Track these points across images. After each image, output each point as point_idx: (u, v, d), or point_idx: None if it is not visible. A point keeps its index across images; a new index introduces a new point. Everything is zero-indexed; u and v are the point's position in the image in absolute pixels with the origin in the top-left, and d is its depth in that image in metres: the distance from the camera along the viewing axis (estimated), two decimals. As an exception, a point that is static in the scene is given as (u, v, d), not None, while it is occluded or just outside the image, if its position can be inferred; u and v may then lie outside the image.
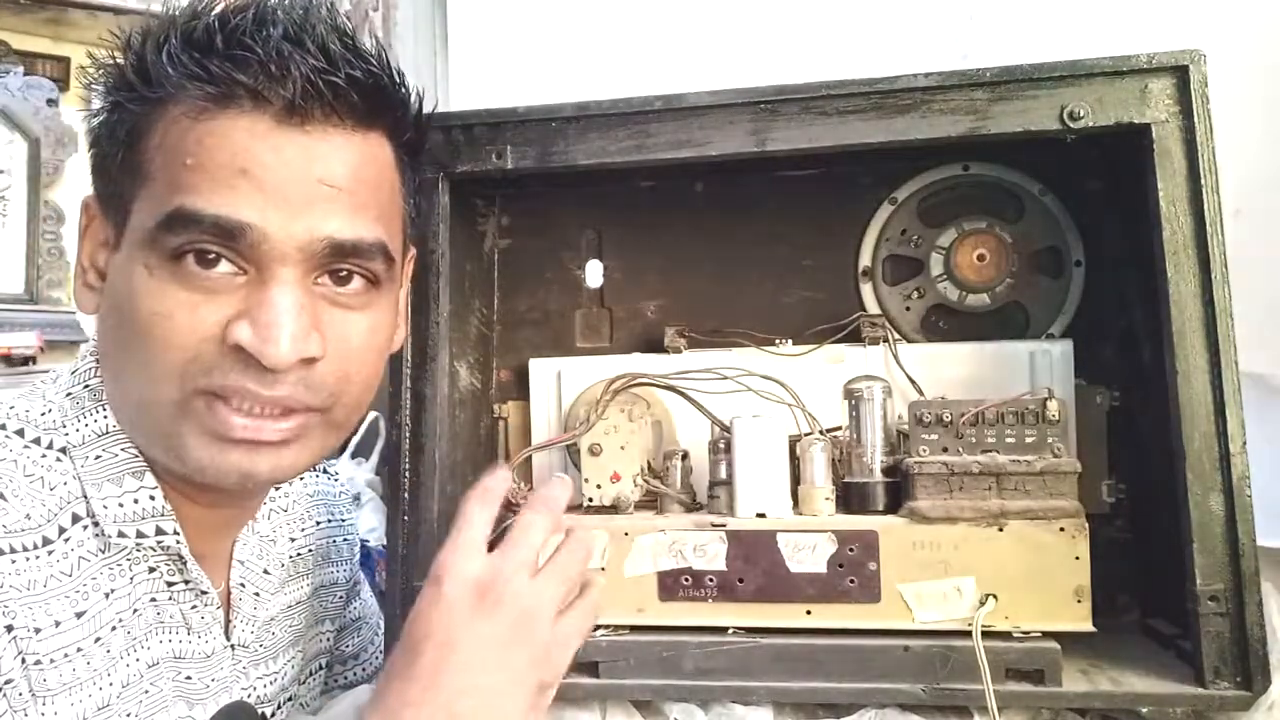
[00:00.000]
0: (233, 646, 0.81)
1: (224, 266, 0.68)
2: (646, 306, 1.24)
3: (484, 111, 1.03)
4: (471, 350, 1.16)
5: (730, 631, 0.94)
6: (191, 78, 0.67)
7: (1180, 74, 0.89)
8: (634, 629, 0.95)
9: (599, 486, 1.00)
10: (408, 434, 1.01)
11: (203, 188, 0.67)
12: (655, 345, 1.18)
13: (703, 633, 0.94)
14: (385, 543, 1.13)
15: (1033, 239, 1.15)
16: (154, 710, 0.72)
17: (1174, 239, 0.89)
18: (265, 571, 0.86)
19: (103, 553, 0.70)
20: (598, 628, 0.96)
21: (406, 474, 1.01)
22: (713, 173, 1.18)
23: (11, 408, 0.72)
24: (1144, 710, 0.88)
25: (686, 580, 0.94)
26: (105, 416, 0.73)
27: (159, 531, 0.72)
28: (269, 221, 0.67)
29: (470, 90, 1.62)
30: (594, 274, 1.25)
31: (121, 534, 0.71)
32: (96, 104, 0.72)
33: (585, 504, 1.01)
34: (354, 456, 1.79)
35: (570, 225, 1.25)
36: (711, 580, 0.94)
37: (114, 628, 0.69)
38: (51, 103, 2.53)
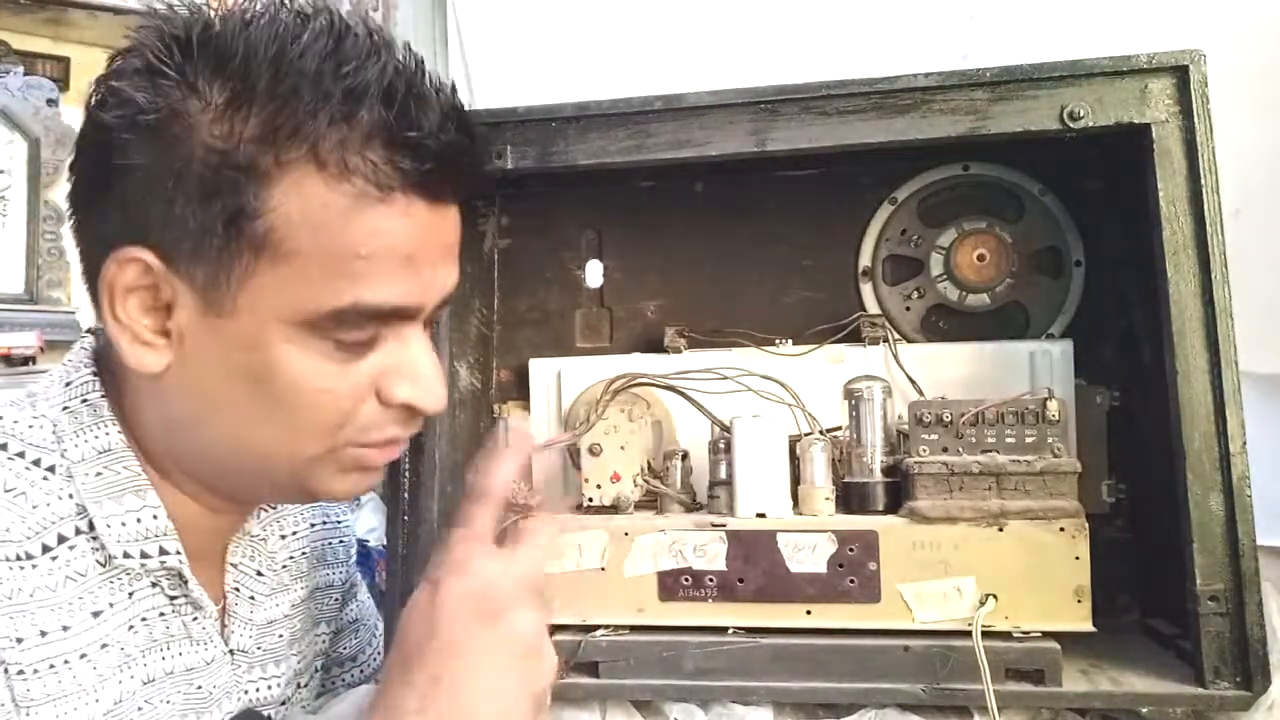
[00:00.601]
0: (232, 652, 0.81)
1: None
2: (646, 306, 1.24)
3: (484, 111, 1.03)
4: (471, 350, 1.16)
5: (730, 631, 0.94)
6: (366, 160, 0.65)
7: (1180, 74, 0.89)
8: (634, 629, 0.95)
9: (599, 486, 1.00)
10: (408, 434, 1.01)
11: (378, 281, 0.67)
12: (655, 345, 1.18)
13: (703, 633, 0.94)
14: (385, 543, 1.13)
15: (1033, 239, 1.15)
16: None
17: (1174, 239, 0.89)
18: (258, 574, 0.86)
19: (101, 567, 0.70)
20: (598, 628, 0.96)
21: (406, 474, 1.01)
22: (713, 173, 1.18)
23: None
24: (1144, 710, 0.88)
25: (686, 580, 0.94)
26: (107, 434, 0.72)
27: (162, 551, 0.72)
28: (428, 298, 0.72)
29: (470, 90, 1.62)
30: (594, 274, 1.25)
31: (127, 554, 0.71)
32: (147, 148, 0.65)
33: (585, 504, 1.01)
34: (354, 456, 1.79)
35: (570, 225, 1.25)
36: (711, 580, 0.94)
37: (104, 645, 0.69)
38: (51, 103, 2.53)
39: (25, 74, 2.50)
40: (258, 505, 0.85)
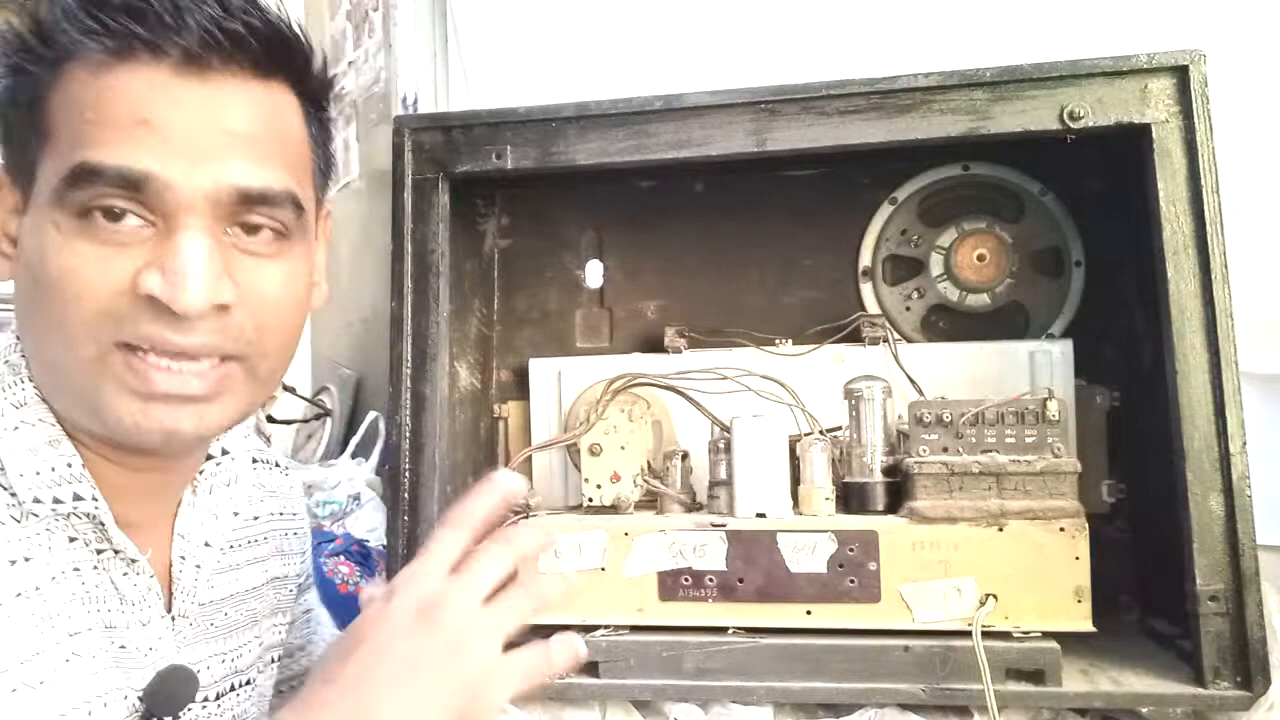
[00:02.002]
0: (173, 618, 0.80)
1: (131, 220, 0.68)
2: (646, 306, 1.24)
3: (484, 111, 1.03)
4: (471, 350, 1.16)
5: (730, 631, 0.94)
6: (88, 33, 0.67)
7: (1180, 74, 0.90)
8: (634, 629, 0.95)
9: (599, 486, 1.00)
10: (408, 434, 1.01)
11: (104, 141, 0.67)
12: (655, 345, 1.18)
13: (703, 633, 0.94)
14: (385, 543, 1.13)
15: (1033, 239, 1.15)
16: (80, 677, 0.71)
17: (1174, 239, 0.89)
18: (205, 544, 0.85)
19: (17, 523, 0.69)
20: (598, 628, 0.96)
21: (406, 474, 1.01)
22: (713, 173, 1.18)
23: None
24: (1144, 710, 0.88)
25: (686, 580, 0.94)
26: (23, 389, 0.73)
27: (76, 497, 0.71)
28: (172, 171, 0.67)
29: (470, 90, 1.62)
30: (594, 274, 1.25)
31: (37, 500, 0.70)
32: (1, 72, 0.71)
33: (585, 504, 1.01)
34: (354, 456, 1.79)
35: (570, 225, 1.25)
36: (711, 580, 0.94)
37: (20, 594, 0.68)
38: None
39: (25, 74, 2.50)
40: (167, 459, 0.80)
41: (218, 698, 0.85)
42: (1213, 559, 0.87)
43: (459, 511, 0.70)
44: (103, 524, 0.73)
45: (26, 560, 0.69)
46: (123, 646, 0.75)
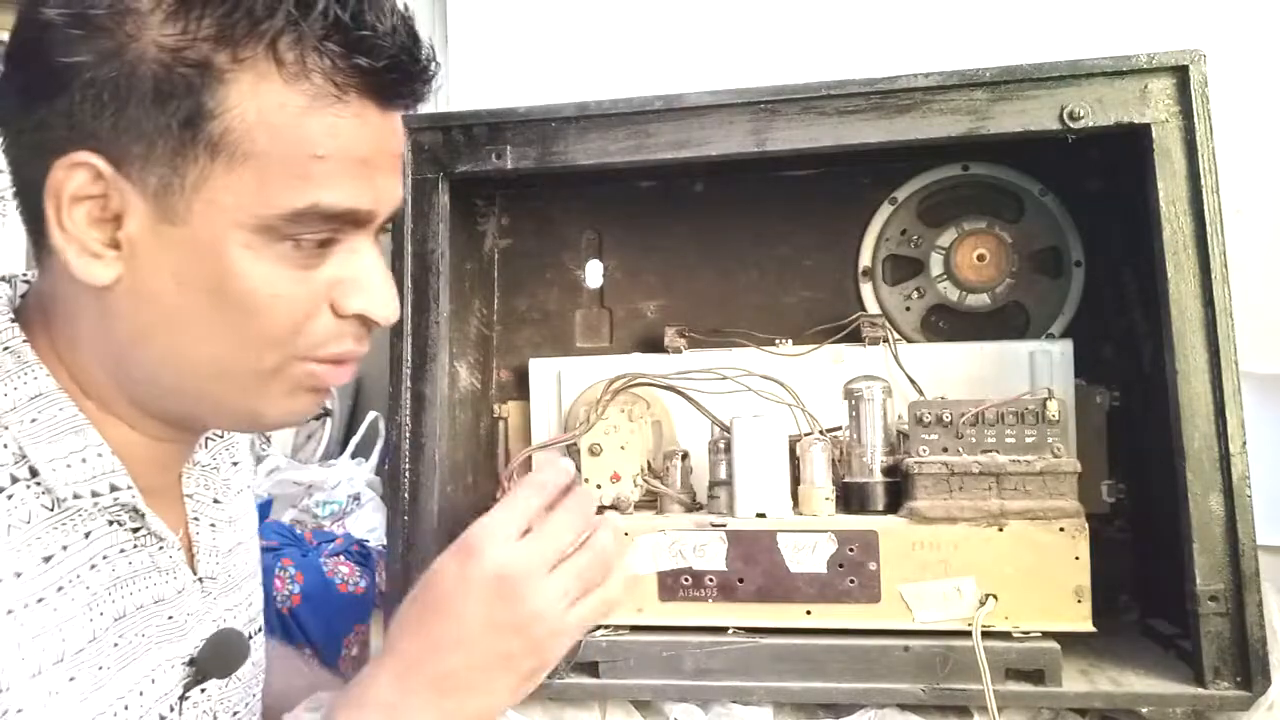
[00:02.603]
0: (200, 580, 0.81)
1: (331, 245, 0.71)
2: (646, 306, 1.24)
3: (484, 111, 1.03)
4: (471, 350, 1.16)
5: (730, 631, 0.94)
6: (324, 57, 0.65)
7: (1180, 74, 0.89)
8: (634, 629, 0.95)
9: (599, 486, 1.01)
10: (408, 434, 1.01)
11: (335, 182, 0.67)
12: (655, 345, 1.18)
13: (703, 633, 0.94)
14: (385, 542, 1.13)
15: (1033, 239, 1.15)
16: (127, 662, 0.72)
17: (1174, 239, 0.89)
18: (215, 501, 0.86)
19: (49, 512, 0.69)
20: (598, 628, 0.96)
21: (406, 474, 1.01)
22: (713, 173, 1.18)
23: None
24: (1144, 710, 0.88)
25: (686, 580, 0.94)
26: (35, 379, 0.71)
27: (113, 488, 0.71)
28: (381, 206, 0.71)
29: (470, 90, 1.62)
30: (594, 274, 1.25)
31: (77, 495, 0.69)
32: (95, 46, 0.64)
33: (585, 504, 1.01)
34: (354, 456, 1.79)
35: (570, 225, 1.25)
36: (711, 580, 0.94)
37: (61, 588, 0.68)
38: (51, 103, 2.53)
39: (25, 74, 2.50)
40: (204, 434, 0.83)
41: None
42: (1213, 559, 0.87)
43: (531, 478, 0.73)
44: (138, 510, 0.73)
45: (64, 549, 0.69)
46: (170, 617, 0.76)
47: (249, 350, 0.69)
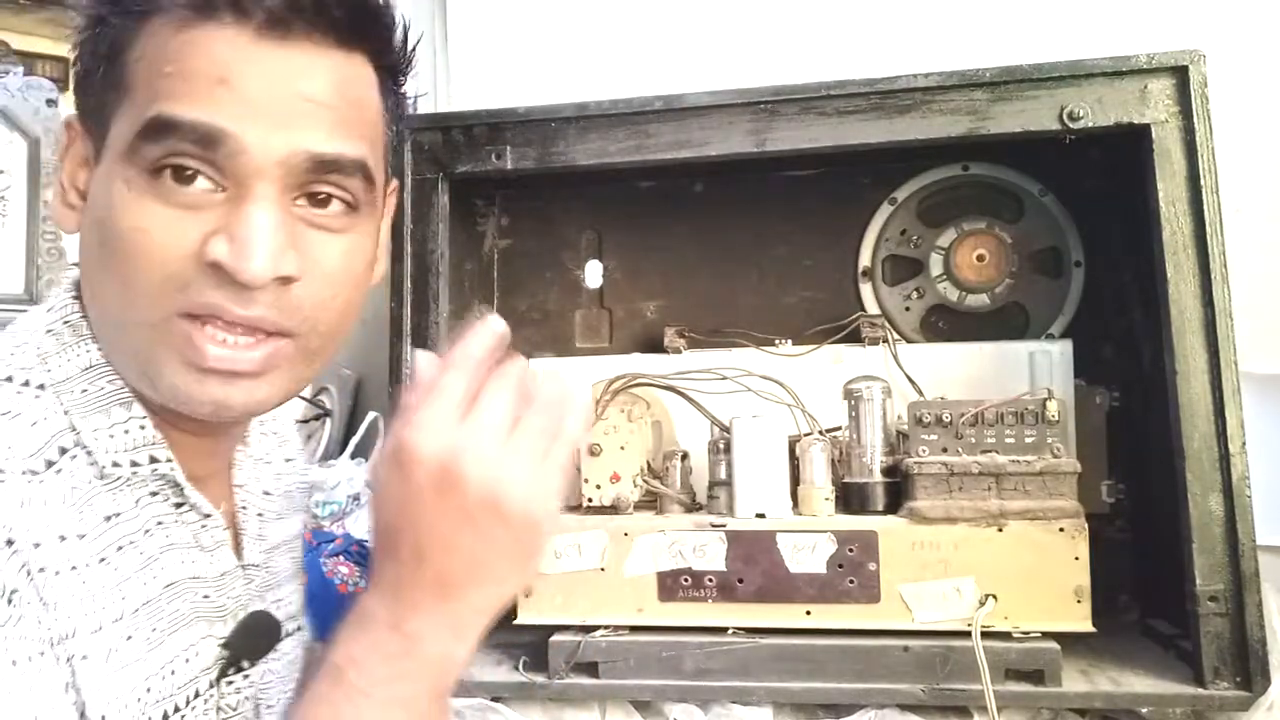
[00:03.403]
0: (244, 567, 0.82)
1: (202, 183, 0.67)
2: (646, 306, 1.24)
3: (484, 111, 1.03)
4: (471, 350, 1.16)
5: (730, 631, 0.94)
6: None
7: (1180, 74, 0.89)
8: (634, 629, 0.95)
9: (599, 486, 1.00)
10: (407, 434, 1.01)
11: (181, 95, 0.67)
12: (655, 345, 1.18)
13: (703, 633, 0.94)
14: (385, 543, 1.12)
15: (1033, 239, 1.15)
16: (175, 628, 0.73)
17: (1174, 239, 0.89)
18: (265, 493, 0.87)
19: (101, 480, 0.70)
20: (597, 628, 0.96)
21: (406, 474, 1.00)
22: (713, 173, 1.18)
23: None
24: (1144, 710, 0.88)
25: (686, 580, 0.94)
26: (88, 351, 0.73)
27: (153, 460, 0.72)
28: (248, 132, 0.67)
29: (470, 90, 1.62)
30: (594, 274, 1.25)
31: (116, 464, 0.71)
32: (80, 20, 0.71)
33: (585, 504, 1.01)
34: (354, 456, 1.79)
35: (570, 225, 1.25)
36: (711, 580, 0.94)
37: (120, 548, 0.70)
38: (51, 103, 2.52)
39: (25, 74, 2.49)
40: (185, 419, 0.78)
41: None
42: (1213, 559, 0.87)
43: (456, 353, 0.67)
44: (178, 484, 0.74)
45: (118, 515, 0.70)
46: (206, 596, 0.77)
47: (134, 300, 0.68)
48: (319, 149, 0.69)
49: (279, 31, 0.68)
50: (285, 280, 0.68)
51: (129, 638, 0.69)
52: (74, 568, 0.66)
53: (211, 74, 0.67)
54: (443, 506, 0.64)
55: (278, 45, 0.69)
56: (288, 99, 0.69)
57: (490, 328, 0.69)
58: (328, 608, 1.14)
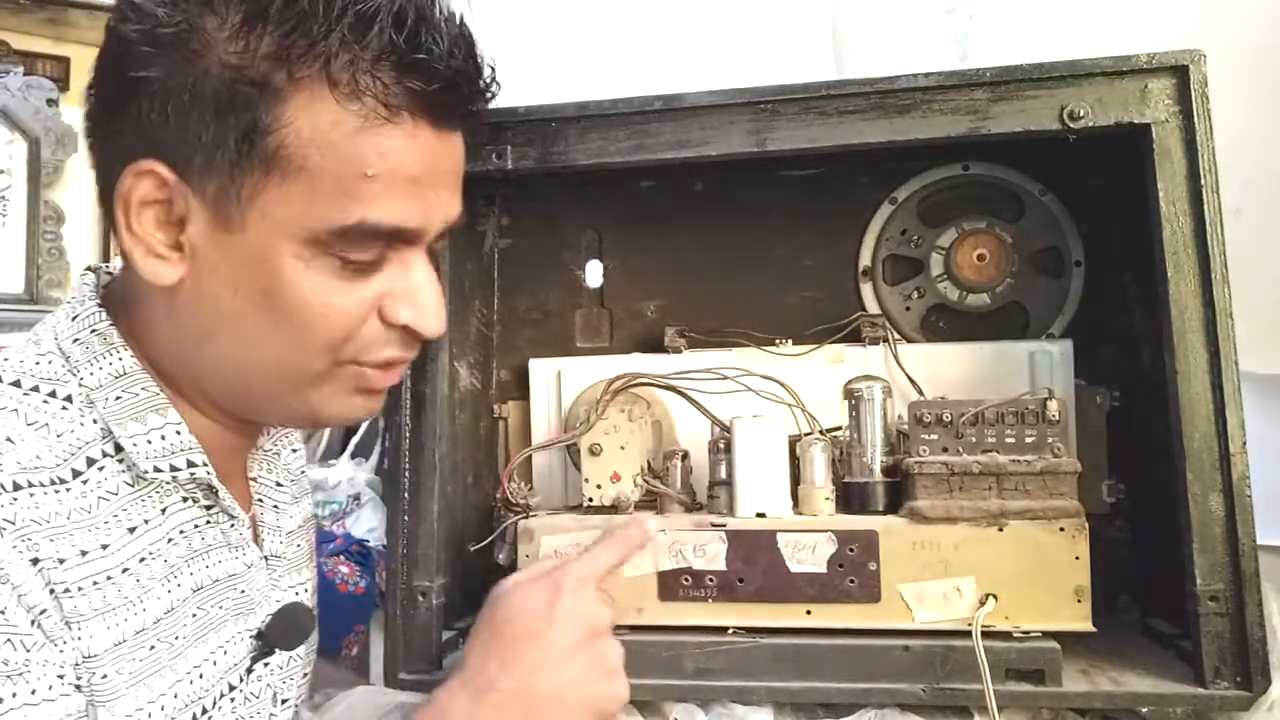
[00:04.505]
0: (265, 557, 0.84)
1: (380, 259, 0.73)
2: (646, 306, 1.24)
3: (484, 111, 1.03)
4: (471, 350, 1.16)
5: (730, 631, 0.94)
6: (376, 80, 0.67)
7: (1180, 74, 0.89)
8: (634, 629, 0.95)
9: (599, 486, 1.00)
10: (408, 434, 1.01)
11: (383, 201, 0.69)
12: (655, 345, 1.18)
13: (703, 633, 0.94)
14: (385, 543, 1.13)
15: (1033, 239, 1.15)
16: (204, 632, 0.75)
17: (1174, 239, 0.89)
18: (278, 484, 0.90)
19: (131, 488, 0.72)
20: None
21: (406, 474, 1.01)
22: (713, 173, 1.18)
23: (5, 359, 0.74)
24: (1144, 710, 0.88)
25: (686, 580, 0.94)
26: (120, 359, 0.74)
27: (190, 464, 0.75)
28: (432, 222, 0.73)
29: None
30: (594, 274, 1.25)
31: (157, 469, 0.73)
32: (165, 62, 0.67)
33: (585, 504, 1.01)
34: (354, 456, 1.79)
35: (570, 225, 1.25)
36: (711, 580, 0.94)
37: (143, 559, 0.71)
38: (51, 103, 2.52)
39: (25, 74, 2.49)
40: (269, 425, 0.88)
41: None
42: (1213, 559, 0.87)
43: (618, 538, 0.82)
44: (212, 487, 0.77)
45: (145, 523, 0.72)
46: (243, 591, 0.80)
47: (301, 354, 0.72)
48: (456, 215, 0.77)
49: (451, 126, 0.74)
50: None
51: (151, 648, 0.70)
52: (96, 583, 0.67)
53: (408, 175, 0.70)
54: (574, 639, 0.75)
55: (447, 137, 0.74)
56: (447, 178, 0.75)
57: (645, 530, 0.84)
58: (328, 608, 1.14)
